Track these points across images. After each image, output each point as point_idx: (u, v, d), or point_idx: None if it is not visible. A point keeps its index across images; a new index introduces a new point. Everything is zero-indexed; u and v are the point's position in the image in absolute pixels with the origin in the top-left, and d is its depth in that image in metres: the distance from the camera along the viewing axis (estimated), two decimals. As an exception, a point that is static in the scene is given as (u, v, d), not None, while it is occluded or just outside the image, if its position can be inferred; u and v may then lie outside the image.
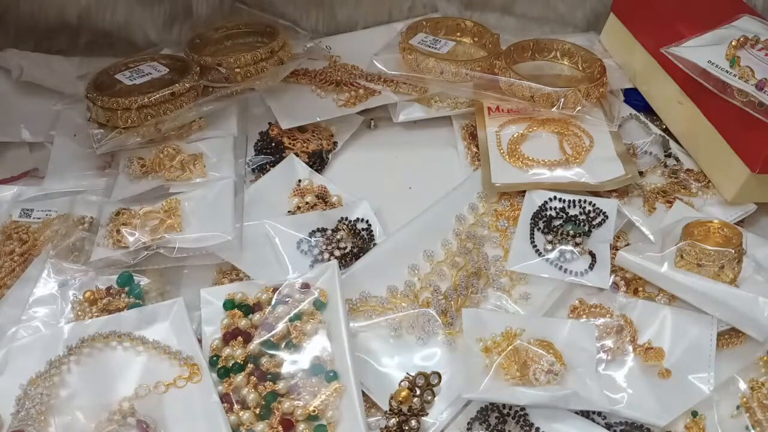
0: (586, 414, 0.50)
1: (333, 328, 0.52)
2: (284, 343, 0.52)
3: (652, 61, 0.71)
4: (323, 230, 0.62)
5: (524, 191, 0.64)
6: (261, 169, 0.70)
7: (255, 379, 0.50)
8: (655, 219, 0.63)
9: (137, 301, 0.56)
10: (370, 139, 0.75)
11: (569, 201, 0.63)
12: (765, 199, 0.63)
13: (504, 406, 0.49)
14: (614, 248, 0.60)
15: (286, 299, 0.54)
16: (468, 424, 0.49)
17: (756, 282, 0.55)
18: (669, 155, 0.69)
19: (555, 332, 0.53)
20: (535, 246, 0.60)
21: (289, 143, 0.71)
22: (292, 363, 0.51)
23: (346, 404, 0.49)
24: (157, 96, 0.66)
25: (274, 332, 0.52)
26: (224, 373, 0.51)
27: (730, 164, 0.62)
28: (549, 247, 0.60)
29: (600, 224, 0.61)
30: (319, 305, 0.53)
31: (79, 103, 0.70)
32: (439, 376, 0.50)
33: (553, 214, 0.63)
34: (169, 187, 0.65)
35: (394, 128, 0.75)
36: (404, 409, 0.48)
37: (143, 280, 0.58)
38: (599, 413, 0.50)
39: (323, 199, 0.66)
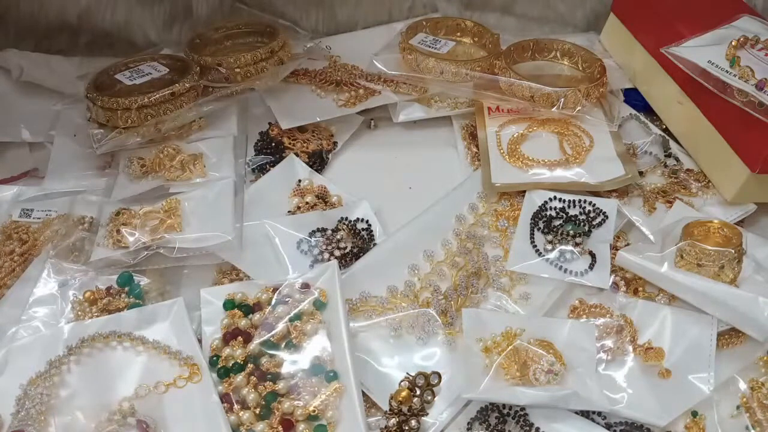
0: (586, 414, 0.50)
1: (333, 328, 0.52)
2: (284, 343, 0.52)
3: (652, 61, 0.71)
4: (323, 230, 0.62)
5: (524, 191, 0.64)
6: (261, 169, 0.70)
7: (255, 379, 0.50)
8: (655, 219, 0.63)
9: (137, 301, 0.56)
10: (370, 139, 0.75)
11: (569, 201, 0.63)
12: (765, 199, 0.63)
13: (504, 406, 0.49)
14: (614, 248, 0.60)
15: (286, 299, 0.54)
16: (468, 424, 0.49)
17: (756, 282, 0.55)
18: (669, 155, 0.69)
19: (555, 332, 0.53)
20: (535, 246, 0.60)
21: (289, 143, 0.71)
22: (292, 363, 0.51)
23: (346, 404, 0.48)
24: (157, 96, 0.66)
25: (274, 332, 0.52)
26: (224, 373, 0.51)
27: (730, 164, 0.62)
28: (549, 247, 0.60)
29: (600, 224, 0.61)
30: (319, 305, 0.53)
31: (79, 103, 0.70)
32: (439, 376, 0.50)
33: (553, 214, 0.63)
34: (169, 187, 0.65)
35: (394, 128, 0.75)
36: (404, 409, 0.48)
37: (143, 280, 0.58)
38: (599, 413, 0.50)
39: (323, 199, 0.66)
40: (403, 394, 0.48)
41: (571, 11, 0.85)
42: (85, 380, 0.50)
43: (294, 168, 0.69)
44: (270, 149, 0.71)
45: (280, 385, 0.49)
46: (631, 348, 0.53)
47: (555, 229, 0.61)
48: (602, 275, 0.57)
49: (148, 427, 0.47)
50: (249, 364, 0.51)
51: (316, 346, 0.51)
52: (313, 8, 0.85)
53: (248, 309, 0.54)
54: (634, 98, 0.74)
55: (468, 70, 0.72)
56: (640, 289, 0.58)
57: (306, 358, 0.51)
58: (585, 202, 0.63)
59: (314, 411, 0.48)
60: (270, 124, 0.73)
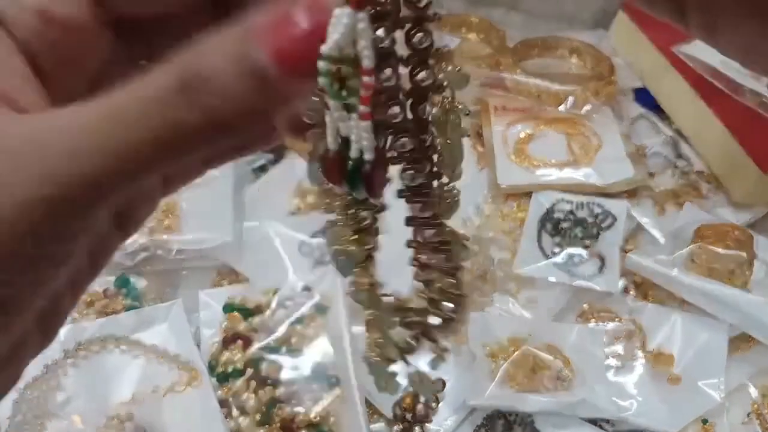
0: (594, 421, 0.49)
1: (334, 332, 0.51)
2: (285, 348, 0.51)
3: (663, 60, 0.70)
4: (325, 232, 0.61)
5: (531, 192, 0.63)
6: (261, 169, 0.69)
7: (255, 384, 0.49)
8: (665, 221, 0.61)
9: (135, 303, 0.55)
10: (373, 138, 0.74)
11: (577, 203, 0.62)
12: (777, 201, 0.62)
13: (510, 412, 0.48)
14: (624, 251, 0.59)
15: (287, 303, 0.53)
16: (474, 431, 0.48)
17: (767, 286, 0.54)
18: (679, 156, 0.68)
19: (563, 337, 0.52)
20: (542, 249, 0.59)
21: (290, 142, 0.70)
22: (293, 368, 0.50)
23: (348, 410, 0.48)
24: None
25: (274, 336, 0.51)
26: (223, 377, 0.50)
27: (742, 166, 0.61)
28: (557, 249, 0.59)
29: (609, 226, 0.60)
30: (321, 309, 0.52)
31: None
32: (444, 382, 0.49)
33: (561, 216, 0.61)
34: (168, 186, 0.64)
35: (398, 127, 0.74)
36: (408, 416, 0.47)
37: (141, 282, 0.57)
38: (608, 420, 0.49)
39: (325, 199, 0.65)
40: (407, 400, 0.47)
41: (579, 8, 0.84)
42: (83, 384, 0.49)
43: (295, 168, 0.67)
44: (270, 149, 0.70)
45: (281, 391, 0.48)
46: (640, 353, 0.52)
47: (563, 232, 0.60)
48: (611, 279, 0.56)
49: (146, 433, 0.46)
50: (249, 369, 0.50)
51: (318, 350, 0.50)
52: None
53: (248, 312, 0.53)
54: (644, 98, 0.73)
55: (473, 67, 0.70)
56: (650, 292, 0.57)
57: (307, 363, 0.50)
58: (594, 203, 0.62)
59: (315, 417, 0.47)
60: (271, 122, 0.72)
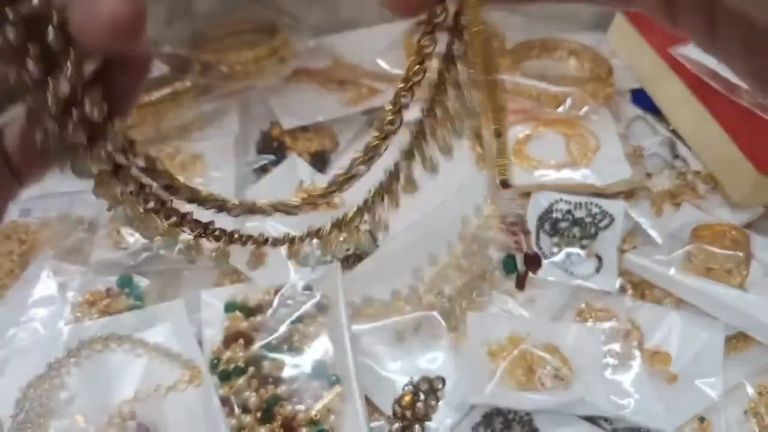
0: (592, 419, 0.49)
1: (335, 331, 0.51)
2: (286, 347, 0.51)
3: (660, 61, 0.70)
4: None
5: (530, 193, 0.64)
6: (262, 170, 0.69)
7: (256, 382, 0.49)
8: (662, 221, 0.62)
9: (137, 302, 0.56)
10: (373, 138, 0.74)
11: (576, 203, 0.62)
12: (774, 201, 0.63)
13: (509, 411, 0.49)
14: (621, 251, 0.59)
15: (288, 302, 0.53)
16: (472, 429, 0.49)
17: (765, 285, 0.54)
18: (677, 157, 0.68)
19: (561, 336, 0.52)
20: (540, 248, 0.59)
21: (291, 143, 0.71)
22: (294, 366, 0.50)
23: (348, 409, 0.48)
24: (158, 95, 0.65)
25: (275, 335, 0.51)
26: (225, 376, 0.50)
27: (739, 166, 0.62)
28: (555, 249, 0.59)
29: (607, 227, 0.61)
30: (322, 308, 0.53)
31: (79, 101, 0.69)
32: (443, 380, 0.49)
33: (560, 216, 0.62)
34: (169, 187, 0.64)
35: (398, 128, 0.74)
36: (408, 414, 0.47)
37: (143, 282, 0.57)
38: (605, 418, 0.49)
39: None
40: (407, 398, 0.47)
41: (577, 9, 0.84)
42: (85, 383, 0.49)
43: (296, 168, 0.68)
44: (271, 149, 0.70)
45: (282, 389, 0.49)
46: (637, 352, 0.52)
47: (561, 231, 0.60)
48: (609, 278, 0.57)
49: (148, 431, 0.47)
50: (250, 368, 0.50)
51: (318, 349, 0.51)
52: (315, 6, 0.84)
53: (249, 311, 0.53)
54: (641, 99, 0.73)
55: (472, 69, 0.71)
56: (647, 292, 0.57)
57: (308, 362, 0.50)
58: (592, 204, 0.62)
59: (316, 415, 0.47)
60: (271, 123, 0.72)
